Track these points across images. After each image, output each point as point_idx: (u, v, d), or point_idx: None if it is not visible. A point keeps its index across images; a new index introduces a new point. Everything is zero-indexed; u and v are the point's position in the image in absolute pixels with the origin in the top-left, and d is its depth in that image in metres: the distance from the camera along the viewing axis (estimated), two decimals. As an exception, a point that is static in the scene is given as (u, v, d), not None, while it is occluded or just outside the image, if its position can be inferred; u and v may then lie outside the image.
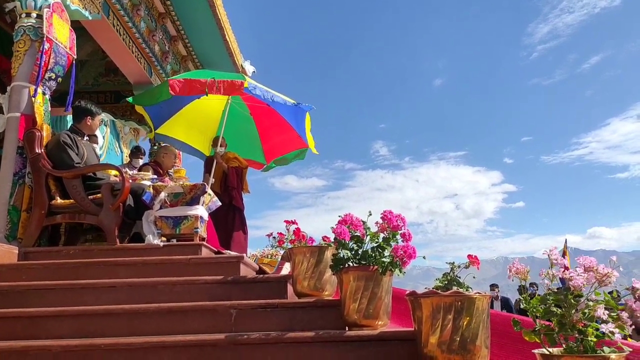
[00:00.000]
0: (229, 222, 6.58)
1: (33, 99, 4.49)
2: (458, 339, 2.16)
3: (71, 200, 4.40)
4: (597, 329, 1.82)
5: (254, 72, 9.71)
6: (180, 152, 7.86)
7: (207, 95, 5.32)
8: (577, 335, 1.82)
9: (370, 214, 2.73)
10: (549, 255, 2.00)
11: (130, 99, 6.07)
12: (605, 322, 1.81)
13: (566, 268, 1.98)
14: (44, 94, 4.66)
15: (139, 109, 6.27)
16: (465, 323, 2.16)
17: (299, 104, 5.92)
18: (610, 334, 1.80)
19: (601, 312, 1.80)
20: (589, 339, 1.78)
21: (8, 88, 4.61)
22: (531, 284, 9.38)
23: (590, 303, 1.85)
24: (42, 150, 4.45)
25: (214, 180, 6.38)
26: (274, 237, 3.46)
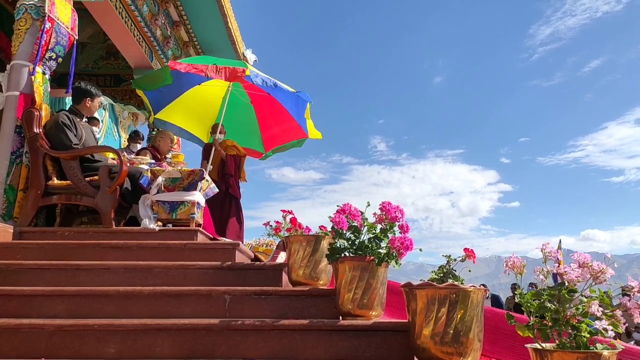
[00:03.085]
0: (225, 209, 6.57)
1: (32, 77, 4.46)
2: (451, 331, 2.18)
3: (68, 182, 4.38)
4: (591, 326, 1.83)
5: (256, 60, 9.66)
6: (179, 138, 7.84)
7: (207, 77, 5.28)
8: (570, 331, 1.83)
9: (369, 205, 2.74)
10: (542, 249, 2.01)
11: (133, 84, 6.04)
12: (599, 319, 1.82)
13: (558, 262, 1.99)
14: (43, 73, 4.62)
15: (139, 92, 6.24)
16: (459, 316, 2.18)
17: (299, 92, 5.91)
18: (603, 331, 1.81)
19: (595, 308, 1.81)
20: (582, 334, 1.79)
21: (7, 66, 4.58)
22: (530, 284, 9.38)
23: (585, 299, 1.86)
24: (41, 130, 4.42)
25: (211, 167, 6.37)
26: (271, 226, 3.46)
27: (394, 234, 2.67)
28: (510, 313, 2.08)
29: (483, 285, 11.38)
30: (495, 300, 10.84)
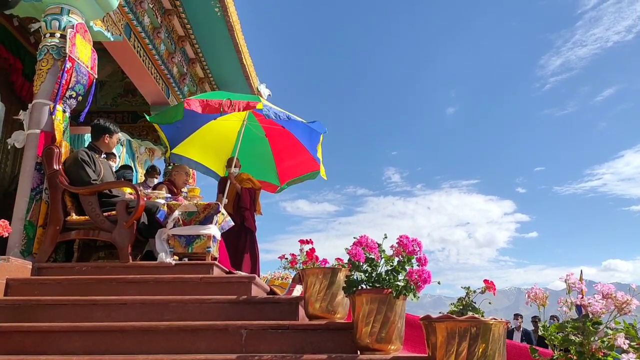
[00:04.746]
0: (241, 243, 6.56)
1: (53, 115, 4.57)
2: (473, 366, 2.12)
3: (86, 217, 4.43)
4: (617, 359, 1.77)
5: (270, 95, 9.81)
6: (195, 172, 7.92)
7: (221, 113, 5.37)
8: (596, 365, 1.77)
9: (386, 237, 2.72)
10: (565, 280, 1.97)
11: (148, 118, 6.15)
12: (626, 351, 1.77)
13: (581, 293, 1.94)
14: (64, 111, 4.74)
15: (157, 127, 6.34)
16: (480, 350, 2.12)
17: (313, 122, 5.96)
18: (631, 365, 1.75)
19: (621, 341, 1.76)
20: (609, 368, 1.74)
21: (29, 105, 4.70)
22: (552, 317, 9.12)
23: (610, 331, 1.81)
24: (60, 167, 4.50)
25: (227, 200, 6.39)
26: (287, 258, 3.45)
27: (412, 266, 2.64)
28: (534, 347, 2.03)
29: (519, 314, 11.03)
30: (527, 336, 10.39)
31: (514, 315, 11.04)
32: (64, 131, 4.71)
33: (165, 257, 4.24)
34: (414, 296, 2.60)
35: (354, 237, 2.75)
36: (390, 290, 2.60)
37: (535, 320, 11.04)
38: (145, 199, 4.56)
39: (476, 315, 2.19)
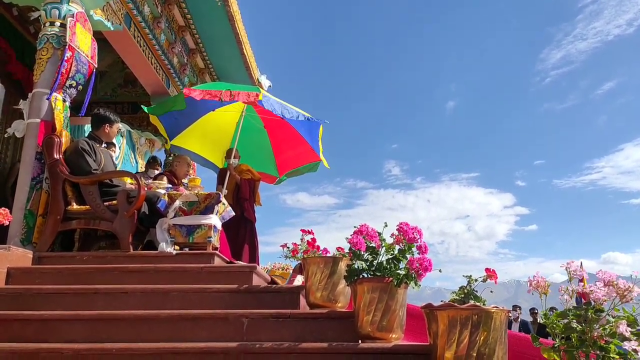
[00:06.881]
0: (240, 233, 6.55)
1: (53, 104, 4.55)
2: (475, 354, 2.12)
3: (87, 206, 4.42)
4: (619, 347, 1.77)
5: (270, 86, 9.77)
6: (195, 163, 7.91)
7: (222, 102, 5.35)
8: (598, 352, 1.77)
9: (386, 226, 2.71)
10: (567, 268, 1.97)
11: (145, 108, 6.10)
12: (628, 339, 1.77)
13: (581, 280, 1.94)
14: (64, 101, 4.72)
15: (153, 119, 6.27)
16: (482, 338, 2.12)
17: (311, 118, 5.93)
18: (632, 352, 1.75)
19: (623, 328, 1.76)
20: (611, 356, 1.74)
21: (29, 94, 4.68)
22: (551, 309, 9.15)
23: (612, 319, 1.81)
24: (61, 156, 4.49)
25: (226, 191, 6.37)
26: (288, 247, 3.45)
27: (412, 254, 2.63)
28: (535, 335, 2.03)
29: (517, 305, 11.12)
30: (525, 326, 10.48)
31: (512, 306, 11.10)
32: (64, 121, 4.69)
33: (166, 247, 4.25)
34: (415, 284, 2.60)
35: (355, 227, 2.74)
36: (391, 278, 2.60)
37: (533, 311, 11.09)
38: (146, 188, 4.55)
39: (478, 304, 2.19)
